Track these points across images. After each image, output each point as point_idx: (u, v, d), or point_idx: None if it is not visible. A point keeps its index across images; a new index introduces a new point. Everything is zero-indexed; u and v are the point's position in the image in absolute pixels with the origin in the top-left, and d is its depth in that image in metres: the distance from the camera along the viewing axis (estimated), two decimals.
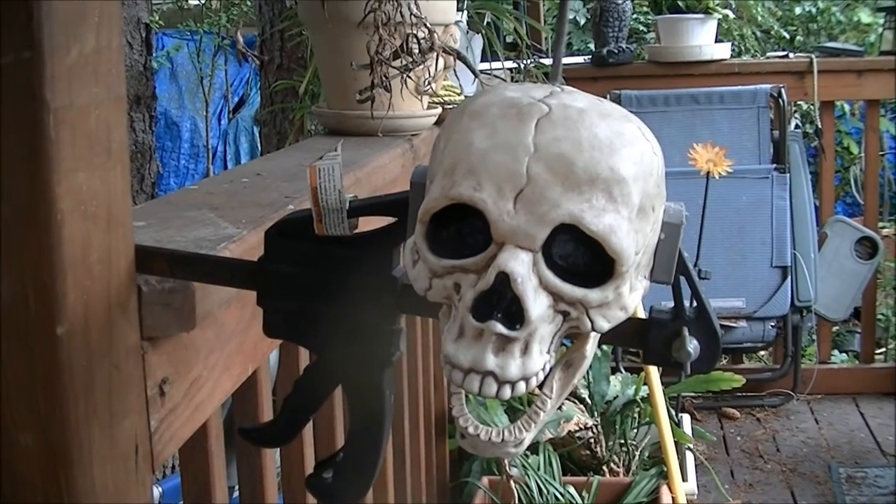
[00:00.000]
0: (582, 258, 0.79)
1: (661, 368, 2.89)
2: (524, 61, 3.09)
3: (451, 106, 2.28)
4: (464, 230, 0.81)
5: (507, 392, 0.79)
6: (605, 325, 0.81)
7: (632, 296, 0.82)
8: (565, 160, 0.77)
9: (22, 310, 0.82)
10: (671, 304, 0.88)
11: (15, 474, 0.86)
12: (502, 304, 0.78)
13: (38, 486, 0.86)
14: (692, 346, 0.86)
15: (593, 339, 0.84)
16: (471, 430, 0.83)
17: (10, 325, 0.83)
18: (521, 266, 0.77)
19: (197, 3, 7.25)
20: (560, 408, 2.90)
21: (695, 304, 0.88)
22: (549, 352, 0.81)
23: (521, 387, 0.79)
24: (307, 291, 0.94)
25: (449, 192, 0.80)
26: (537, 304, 0.78)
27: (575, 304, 0.80)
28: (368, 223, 0.96)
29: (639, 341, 0.89)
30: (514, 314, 0.78)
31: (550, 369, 0.82)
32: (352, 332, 0.94)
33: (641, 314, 0.90)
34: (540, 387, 0.82)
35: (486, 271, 0.79)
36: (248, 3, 6.49)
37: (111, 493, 0.90)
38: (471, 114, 0.82)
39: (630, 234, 0.79)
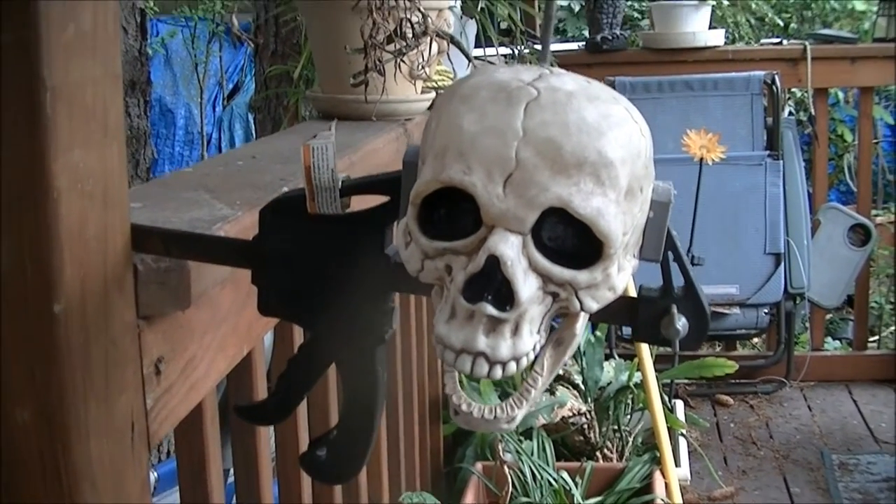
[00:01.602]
0: (571, 240, 0.80)
1: (654, 354, 2.90)
2: (518, 47, 3.10)
3: (442, 91, 2.28)
4: (454, 212, 0.82)
5: (498, 372, 0.80)
6: (593, 306, 0.82)
7: (620, 276, 0.83)
8: (554, 144, 0.78)
9: (19, 285, 0.83)
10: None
11: (12, 449, 0.87)
12: (493, 286, 0.79)
13: (36, 460, 0.87)
14: (681, 323, 0.88)
15: (583, 317, 0.85)
16: (464, 407, 0.84)
17: (7, 300, 0.84)
18: (511, 249, 0.79)
19: None
20: (553, 393, 2.92)
21: (683, 282, 0.89)
22: (539, 332, 0.82)
23: (512, 367, 0.81)
24: (301, 270, 0.95)
25: (439, 175, 0.81)
26: (527, 286, 0.79)
27: (564, 286, 0.81)
28: (361, 202, 0.97)
29: (628, 319, 0.90)
30: (505, 296, 0.79)
31: (541, 348, 0.83)
32: (345, 309, 0.95)
33: (632, 292, 0.91)
34: (531, 365, 0.83)
35: (477, 254, 0.80)
36: None
37: (108, 468, 0.91)
38: (461, 97, 0.83)
39: (618, 216, 0.80)
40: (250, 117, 7.06)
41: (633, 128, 0.82)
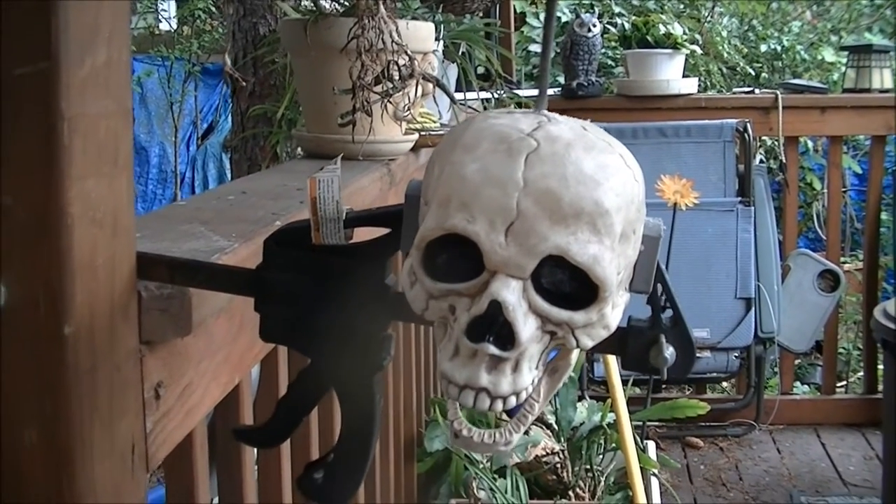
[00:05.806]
0: (568, 283, 0.84)
1: (626, 396, 2.93)
2: (496, 92, 3.15)
3: (425, 133, 2.32)
4: (457, 256, 0.86)
5: (499, 406, 0.85)
6: (588, 344, 0.87)
7: (614, 313, 0.87)
8: (553, 195, 0.82)
9: (31, 309, 0.85)
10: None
11: (18, 470, 0.88)
12: (495, 327, 0.83)
13: (41, 482, 0.88)
14: (668, 352, 0.92)
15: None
16: (464, 432, 0.88)
17: (19, 324, 0.86)
18: (512, 295, 0.83)
19: (168, 29, 7.28)
20: (527, 433, 2.94)
21: (671, 313, 0.93)
22: (537, 367, 0.86)
23: (512, 401, 0.85)
24: (303, 298, 0.98)
25: (444, 223, 0.85)
26: (527, 328, 0.84)
27: (561, 325, 0.85)
28: (362, 234, 1.00)
29: (618, 348, 0.93)
30: (506, 337, 0.83)
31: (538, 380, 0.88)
32: (345, 337, 0.98)
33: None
34: None
35: (480, 297, 0.84)
36: (220, 30, 6.52)
37: (109, 491, 0.93)
38: (463, 146, 0.87)
39: (613, 261, 0.84)
40: (224, 157, 7.08)
41: (627, 175, 0.86)
